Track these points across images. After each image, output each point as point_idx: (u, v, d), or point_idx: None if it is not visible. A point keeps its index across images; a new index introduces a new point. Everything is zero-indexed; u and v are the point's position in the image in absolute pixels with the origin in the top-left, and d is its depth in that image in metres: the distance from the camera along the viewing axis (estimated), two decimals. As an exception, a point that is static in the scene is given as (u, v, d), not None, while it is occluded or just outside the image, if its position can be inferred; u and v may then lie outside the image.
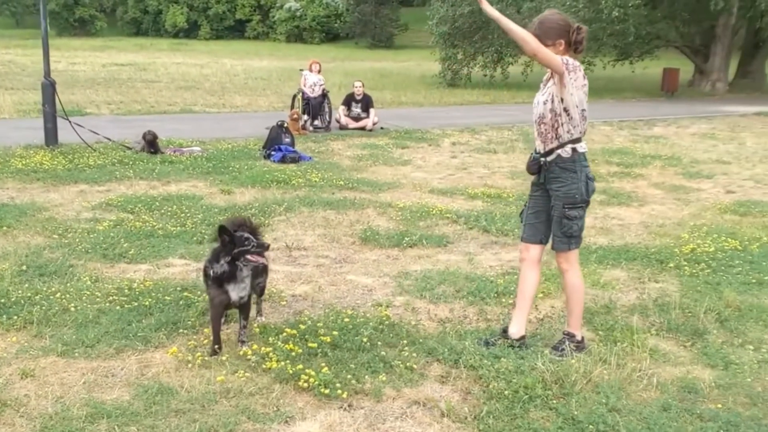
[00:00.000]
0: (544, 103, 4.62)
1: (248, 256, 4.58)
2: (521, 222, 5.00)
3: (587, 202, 4.69)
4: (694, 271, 6.61)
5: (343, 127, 15.96)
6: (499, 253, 7.22)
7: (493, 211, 8.84)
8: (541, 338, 5.12)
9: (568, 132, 4.57)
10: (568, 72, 4.45)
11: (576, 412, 4.01)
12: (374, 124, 16.05)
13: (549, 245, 4.91)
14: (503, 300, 5.79)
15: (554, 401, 4.15)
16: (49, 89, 12.25)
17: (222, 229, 4.54)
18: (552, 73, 4.57)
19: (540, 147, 4.71)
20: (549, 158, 4.64)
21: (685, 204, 9.67)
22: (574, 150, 4.59)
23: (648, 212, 9.14)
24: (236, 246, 4.55)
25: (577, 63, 4.54)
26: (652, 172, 11.82)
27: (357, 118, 16.18)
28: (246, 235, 4.60)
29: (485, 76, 29.42)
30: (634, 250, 7.26)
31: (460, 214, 8.61)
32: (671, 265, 6.79)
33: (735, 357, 4.84)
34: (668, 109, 22.75)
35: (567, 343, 4.82)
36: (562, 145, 4.59)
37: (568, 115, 4.55)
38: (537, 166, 4.71)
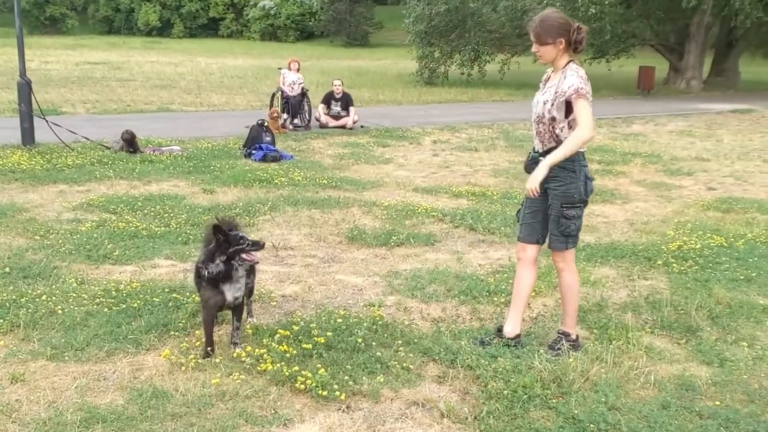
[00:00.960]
0: (544, 103, 4.59)
1: (243, 255, 4.51)
2: (517, 221, 4.97)
3: (585, 202, 4.66)
4: (683, 268, 6.63)
5: (323, 126, 15.87)
6: (487, 252, 7.20)
7: (479, 209, 8.82)
8: (536, 337, 5.10)
9: (567, 133, 4.55)
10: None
11: (576, 411, 3.99)
12: (354, 122, 15.98)
13: (545, 244, 4.89)
14: (495, 299, 5.76)
15: (553, 400, 4.13)
16: (25, 88, 12.02)
17: (217, 229, 4.47)
18: (554, 73, 4.58)
19: (538, 146, 4.68)
20: (547, 158, 4.62)
21: (668, 201, 9.73)
22: (573, 149, 4.58)
23: (632, 209, 9.17)
24: (231, 245, 4.48)
25: (584, 72, 4.53)
26: (633, 170, 11.88)
27: (337, 117, 16.09)
28: (241, 234, 4.53)
29: (462, 74, 29.41)
30: (622, 247, 7.27)
31: (446, 212, 8.58)
32: (659, 262, 6.81)
33: (729, 354, 4.86)
34: (645, 107, 22.91)
35: (563, 341, 4.81)
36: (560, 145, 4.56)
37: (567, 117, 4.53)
38: (535, 166, 4.68)
